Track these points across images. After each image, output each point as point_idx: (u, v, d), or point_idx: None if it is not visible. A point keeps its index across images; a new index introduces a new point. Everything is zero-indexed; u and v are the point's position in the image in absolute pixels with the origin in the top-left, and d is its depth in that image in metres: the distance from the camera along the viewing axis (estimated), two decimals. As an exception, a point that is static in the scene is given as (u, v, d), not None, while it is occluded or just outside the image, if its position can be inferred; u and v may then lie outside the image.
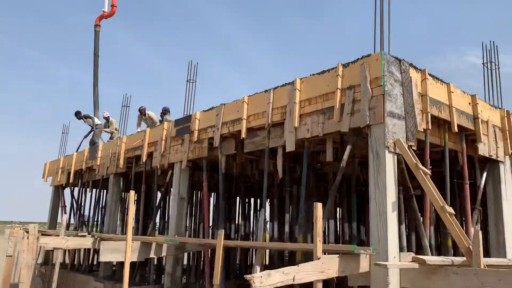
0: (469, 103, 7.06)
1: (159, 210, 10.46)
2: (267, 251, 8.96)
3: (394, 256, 5.09)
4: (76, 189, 14.19)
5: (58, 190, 14.90)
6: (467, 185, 6.85)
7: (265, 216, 7.08)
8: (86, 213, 13.64)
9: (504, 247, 7.10)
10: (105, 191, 12.66)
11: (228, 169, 8.86)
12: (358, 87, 5.74)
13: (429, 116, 6.00)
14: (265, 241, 7.57)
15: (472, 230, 6.32)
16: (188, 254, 10.46)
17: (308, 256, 6.88)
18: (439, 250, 7.21)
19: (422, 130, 5.91)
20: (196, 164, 9.30)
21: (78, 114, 14.78)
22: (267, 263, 9.32)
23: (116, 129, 14.84)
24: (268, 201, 7.59)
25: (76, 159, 13.42)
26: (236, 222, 10.07)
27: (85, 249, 12.89)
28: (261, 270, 6.50)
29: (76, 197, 14.02)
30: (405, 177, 5.91)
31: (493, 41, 8.33)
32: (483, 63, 8.19)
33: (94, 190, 13.16)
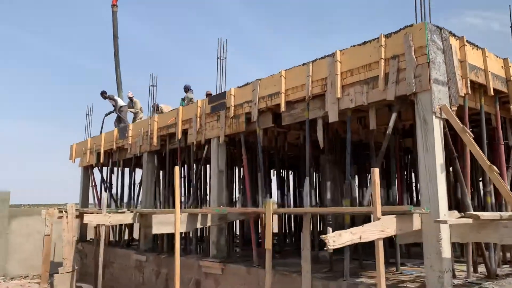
0: (502, 66, 7.29)
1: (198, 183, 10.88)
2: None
3: (444, 214, 5.45)
4: (104, 169, 14.61)
5: (87, 171, 15.35)
6: (502, 146, 7.18)
7: (309, 183, 7.43)
8: (115, 191, 14.10)
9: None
10: (136, 169, 13.07)
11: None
12: (402, 56, 5.97)
13: (468, 81, 6.26)
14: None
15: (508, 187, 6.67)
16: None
17: (356, 219, 7.28)
18: (475, 207, 7.59)
19: (463, 95, 6.18)
20: (231, 139, 9.62)
21: (103, 94, 15.09)
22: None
23: (140, 109, 15.17)
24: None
25: (105, 139, 13.78)
26: (272, 194, 10.45)
27: (120, 225, 13.48)
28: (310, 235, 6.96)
29: (105, 176, 14.46)
30: (448, 140, 6.23)
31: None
32: (511, 27, 8.36)
33: (125, 169, 13.57)
